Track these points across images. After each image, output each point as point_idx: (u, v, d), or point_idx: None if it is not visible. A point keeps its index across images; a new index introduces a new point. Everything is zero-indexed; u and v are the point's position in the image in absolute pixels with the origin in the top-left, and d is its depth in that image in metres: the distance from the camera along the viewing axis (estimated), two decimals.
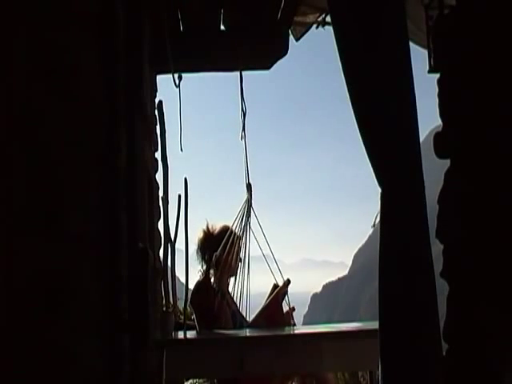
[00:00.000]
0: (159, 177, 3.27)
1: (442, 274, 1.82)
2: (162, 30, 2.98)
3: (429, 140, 1.96)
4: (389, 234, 1.97)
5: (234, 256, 3.29)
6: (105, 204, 1.73)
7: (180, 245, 3.20)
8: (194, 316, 3.31)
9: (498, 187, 1.69)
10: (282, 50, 3.55)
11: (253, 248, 3.35)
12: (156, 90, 3.68)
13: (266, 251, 3.55)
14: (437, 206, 1.85)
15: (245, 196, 3.51)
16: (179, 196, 3.19)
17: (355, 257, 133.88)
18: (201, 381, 4.25)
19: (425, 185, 1.97)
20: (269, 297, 3.25)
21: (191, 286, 3.32)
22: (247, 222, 3.35)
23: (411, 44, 2.16)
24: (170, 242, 3.13)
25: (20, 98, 1.66)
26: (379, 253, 1.98)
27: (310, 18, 3.44)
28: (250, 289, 3.30)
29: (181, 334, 3.09)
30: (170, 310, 3.10)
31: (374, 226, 2.40)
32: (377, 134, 2.00)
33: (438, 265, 1.83)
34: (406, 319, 1.90)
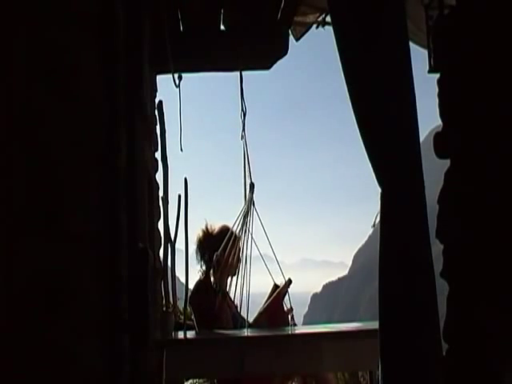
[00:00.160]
0: (159, 177, 3.27)
1: (441, 274, 1.82)
2: (162, 29, 2.98)
3: (429, 140, 1.96)
4: (389, 234, 1.97)
5: (235, 256, 3.29)
6: (105, 204, 1.73)
7: (180, 245, 3.20)
8: (193, 316, 3.31)
9: (498, 187, 1.68)
10: (282, 50, 3.55)
11: (253, 248, 3.35)
12: (156, 90, 3.68)
13: (266, 251, 3.55)
14: (437, 206, 1.85)
15: (246, 196, 3.50)
16: (179, 196, 3.19)
17: (355, 257, 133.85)
18: (201, 381, 4.25)
19: (425, 185, 1.97)
20: (269, 297, 3.25)
21: (191, 286, 3.32)
22: (249, 222, 3.35)
23: (411, 44, 2.16)
24: (170, 241, 3.13)
25: (20, 97, 1.67)
26: (379, 253, 1.98)
27: (310, 18, 3.43)
28: (251, 289, 3.30)
29: (181, 334, 3.09)
30: (170, 310, 3.10)
31: (374, 225, 2.40)
32: (377, 134, 2.00)
33: (438, 265, 1.83)
34: (406, 319, 1.90)
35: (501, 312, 1.65)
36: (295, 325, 3.26)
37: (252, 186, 3.43)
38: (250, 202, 3.38)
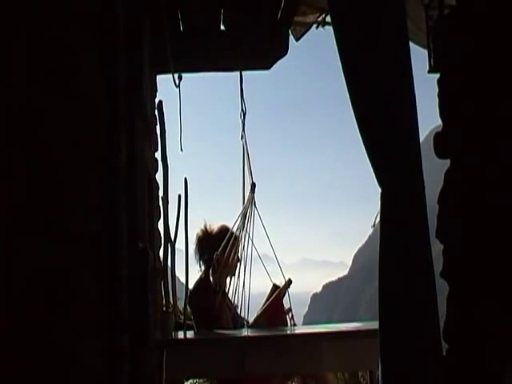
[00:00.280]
0: (159, 177, 3.27)
1: (441, 274, 1.82)
2: (162, 29, 2.98)
3: (429, 140, 1.96)
4: (389, 234, 1.97)
5: (234, 256, 3.29)
6: (105, 204, 1.73)
7: (180, 245, 3.20)
8: (192, 316, 3.31)
9: (498, 187, 1.68)
10: (282, 50, 3.55)
11: (254, 248, 3.34)
12: (156, 90, 3.68)
13: (266, 251, 3.55)
14: (437, 206, 1.85)
15: (244, 196, 3.50)
16: (179, 196, 3.19)
17: (355, 257, 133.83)
18: (201, 381, 4.25)
19: (425, 185, 1.97)
20: (269, 297, 3.25)
21: (191, 286, 3.32)
22: (250, 222, 3.34)
23: (411, 44, 2.16)
24: (170, 241, 3.13)
25: (20, 97, 1.67)
26: (379, 253, 1.98)
27: (310, 18, 3.43)
28: (250, 289, 3.30)
29: (181, 334, 3.09)
30: (170, 310, 3.10)
31: (374, 225, 2.40)
32: (377, 134, 2.00)
33: (438, 265, 1.83)
34: (406, 319, 1.90)
35: (501, 312, 1.65)
36: (295, 325, 3.27)
37: (253, 185, 3.43)
38: (251, 202, 3.37)
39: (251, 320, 3.31)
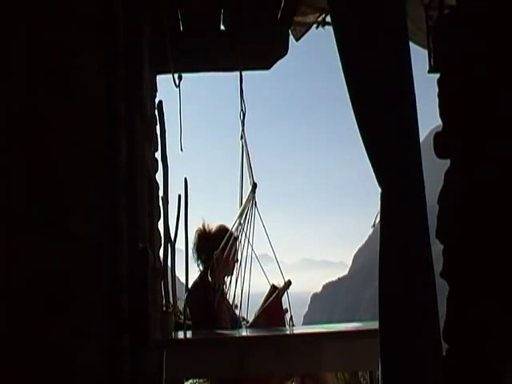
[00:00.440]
0: (159, 177, 3.27)
1: (441, 274, 1.82)
2: (162, 29, 2.98)
3: (429, 140, 1.96)
4: (389, 234, 1.97)
5: (234, 256, 3.29)
6: (105, 204, 1.73)
7: (180, 245, 3.20)
8: (190, 314, 3.31)
9: (498, 187, 1.68)
10: (282, 50, 3.55)
11: (253, 248, 3.34)
12: (156, 90, 3.68)
13: (266, 251, 3.55)
14: (437, 206, 1.85)
15: (242, 196, 3.50)
16: (179, 196, 3.19)
17: (355, 257, 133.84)
18: (201, 381, 4.25)
19: (425, 185, 1.97)
20: (267, 297, 3.25)
21: (190, 285, 3.32)
22: (250, 222, 3.34)
23: (411, 44, 2.16)
24: (170, 241, 3.14)
25: (20, 97, 1.66)
26: (379, 253, 1.98)
27: (310, 18, 3.43)
28: (250, 289, 3.30)
29: (181, 334, 3.09)
30: (170, 310, 3.10)
31: (374, 225, 2.40)
32: (377, 134, 2.00)
33: (438, 265, 1.83)
34: (406, 319, 1.90)
35: (501, 312, 1.65)
36: (293, 325, 3.26)
37: (254, 185, 3.43)
38: (252, 202, 3.37)
39: (250, 319, 3.31)
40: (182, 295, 3.41)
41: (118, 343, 1.72)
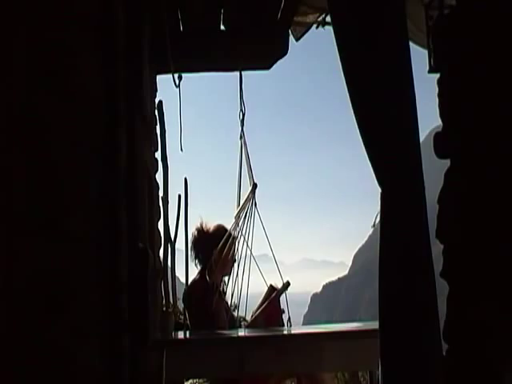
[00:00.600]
0: (159, 177, 3.27)
1: (441, 274, 1.82)
2: (162, 29, 2.98)
3: (429, 140, 1.96)
4: (389, 234, 1.97)
5: (232, 256, 3.29)
6: (105, 204, 1.73)
7: (180, 245, 3.20)
8: (187, 314, 3.31)
9: (498, 187, 1.68)
10: (282, 50, 3.55)
11: (253, 248, 3.34)
12: (156, 90, 3.68)
13: (265, 251, 3.55)
14: (437, 206, 1.85)
15: (239, 195, 3.50)
16: (179, 196, 3.19)
17: (355, 257, 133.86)
18: (201, 381, 4.25)
19: (425, 185, 1.97)
20: (265, 297, 3.24)
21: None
22: (250, 222, 3.34)
23: (411, 44, 2.16)
24: (170, 241, 3.13)
25: (20, 97, 1.67)
26: (379, 253, 1.98)
27: (310, 18, 3.43)
28: (250, 288, 3.30)
29: (181, 334, 3.09)
30: (170, 310, 3.10)
31: (374, 225, 2.40)
32: (377, 134, 2.00)
33: (438, 265, 1.83)
34: (406, 319, 1.90)
35: (501, 312, 1.65)
36: (290, 326, 3.26)
37: (255, 186, 3.43)
38: (252, 202, 3.37)
39: (249, 320, 3.31)
40: (181, 295, 3.41)
41: (118, 343, 1.72)
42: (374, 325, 2.14)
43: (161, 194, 3.26)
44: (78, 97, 1.72)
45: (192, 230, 3.37)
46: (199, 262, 3.34)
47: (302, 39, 3.60)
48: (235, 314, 3.42)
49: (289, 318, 3.18)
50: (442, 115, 1.85)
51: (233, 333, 3.10)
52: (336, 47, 2.02)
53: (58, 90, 1.70)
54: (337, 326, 3.32)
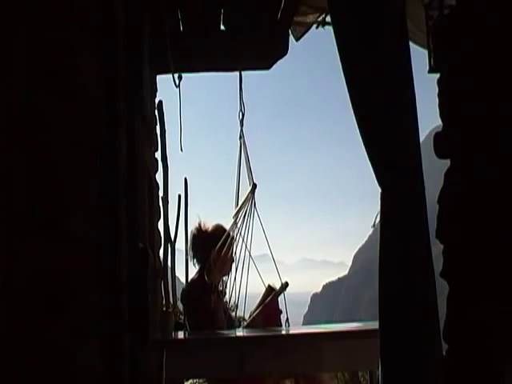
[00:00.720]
0: (159, 177, 3.27)
1: (441, 274, 1.82)
2: (162, 29, 2.98)
3: (429, 140, 1.96)
4: (389, 234, 1.97)
5: (230, 256, 3.28)
6: (105, 204, 1.73)
7: (180, 245, 3.20)
8: (186, 314, 3.30)
9: (498, 187, 1.68)
10: (282, 50, 3.55)
11: (252, 248, 3.34)
12: (156, 90, 3.68)
13: (265, 251, 3.55)
14: (437, 206, 1.85)
15: (238, 195, 3.50)
16: (179, 196, 3.19)
17: (355, 257, 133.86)
18: (201, 381, 4.25)
19: (425, 185, 1.97)
20: (263, 297, 3.24)
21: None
22: (249, 222, 3.34)
23: (411, 44, 2.16)
24: (170, 241, 3.13)
25: (20, 98, 1.67)
26: (379, 253, 1.98)
27: (310, 18, 3.43)
28: (248, 289, 3.29)
29: (181, 334, 3.09)
30: (170, 310, 3.10)
31: (374, 225, 2.40)
32: (377, 134, 2.00)
33: (438, 265, 1.83)
34: (406, 319, 1.90)
35: (501, 312, 1.65)
36: (288, 326, 3.26)
37: (254, 186, 3.43)
38: (251, 202, 3.37)
39: (248, 321, 3.31)
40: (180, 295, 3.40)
41: (118, 343, 1.72)
42: (374, 325, 2.14)
43: (161, 194, 3.26)
44: (78, 97, 1.72)
45: (191, 230, 3.37)
46: (197, 261, 3.34)
47: (302, 39, 3.61)
48: (235, 314, 3.41)
49: (287, 318, 3.18)
50: (441, 115, 1.85)
51: (233, 333, 3.10)
52: (336, 47, 2.02)
53: (58, 90, 1.70)
54: (337, 326, 3.32)
